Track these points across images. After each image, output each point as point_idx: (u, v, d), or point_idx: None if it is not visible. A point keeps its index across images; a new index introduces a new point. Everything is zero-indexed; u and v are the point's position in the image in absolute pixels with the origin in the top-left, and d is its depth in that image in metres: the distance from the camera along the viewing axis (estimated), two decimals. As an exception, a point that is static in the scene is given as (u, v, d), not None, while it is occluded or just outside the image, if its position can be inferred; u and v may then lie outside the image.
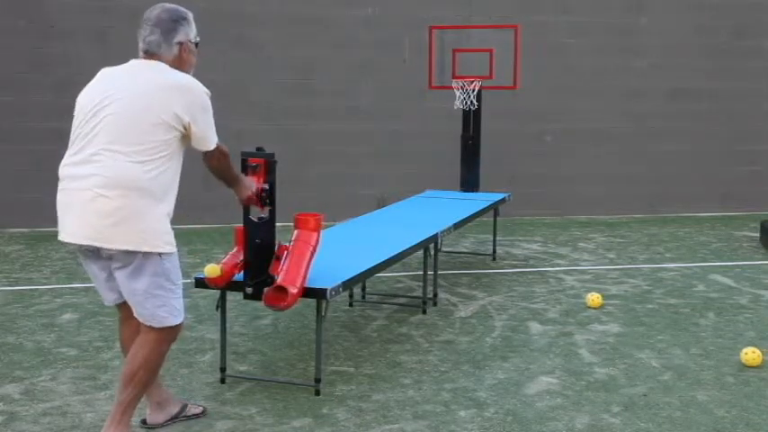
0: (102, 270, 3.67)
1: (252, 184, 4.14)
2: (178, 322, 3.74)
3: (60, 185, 3.63)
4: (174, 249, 3.67)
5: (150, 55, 3.70)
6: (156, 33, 3.68)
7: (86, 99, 3.62)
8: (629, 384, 4.73)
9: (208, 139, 3.72)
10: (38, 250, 8.31)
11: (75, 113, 3.67)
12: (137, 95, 3.54)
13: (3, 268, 7.53)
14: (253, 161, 4.19)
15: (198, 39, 3.83)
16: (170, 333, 3.75)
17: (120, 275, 3.61)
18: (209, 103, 3.70)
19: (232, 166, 3.95)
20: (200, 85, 3.67)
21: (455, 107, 8.25)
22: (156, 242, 3.56)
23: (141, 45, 3.72)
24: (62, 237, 3.63)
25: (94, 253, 3.60)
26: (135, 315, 3.71)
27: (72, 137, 3.62)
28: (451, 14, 10.04)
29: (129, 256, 3.54)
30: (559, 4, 10.68)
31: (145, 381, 3.71)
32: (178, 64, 3.73)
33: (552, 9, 10.65)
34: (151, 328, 3.68)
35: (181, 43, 3.73)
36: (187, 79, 3.66)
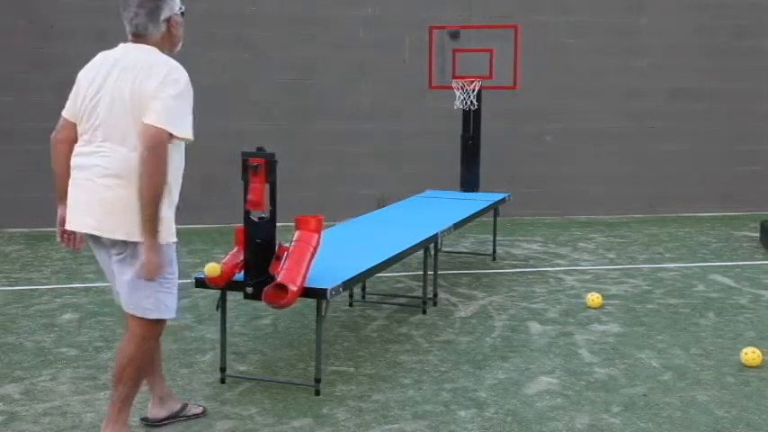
0: (110, 258, 3.67)
1: (168, 259, 3.63)
2: (163, 317, 3.69)
3: (71, 174, 3.64)
4: (171, 240, 3.62)
5: (138, 37, 3.66)
6: (141, 15, 3.61)
7: (86, 83, 3.61)
8: (629, 384, 4.73)
9: (171, 119, 3.45)
10: (38, 250, 8.31)
11: (75, 89, 3.65)
12: (125, 85, 3.51)
13: (3, 268, 7.53)
14: (253, 161, 4.19)
15: (183, 8, 3.75)
16: (155, 329, 3.71)
17: (114, 261, 3.63)
18: (188, 86, 3.55)
19: (164, 194, 3.50)
20: (182, 69, 3.58)
21: (455, 107, 8.25)
22: None
23: (128, 28, 3.66)
24: (68, 225, 3.66)
25: (98, 241, 3.62)
26: (122, 305, 3.69)
27: (78, 128, 3.63)
28: (451, 14, 10.04)
29: (124, 244, 3.56)
30: (559, 4, 10.67)
31: (134, 377, 3.70)
32: (168, 40, 3.70)
33: (552, 9, 10.64)
34: (138, 322, 3.66)
35: (168, 20, 3.68)
36: (170, 63, 3.57)
